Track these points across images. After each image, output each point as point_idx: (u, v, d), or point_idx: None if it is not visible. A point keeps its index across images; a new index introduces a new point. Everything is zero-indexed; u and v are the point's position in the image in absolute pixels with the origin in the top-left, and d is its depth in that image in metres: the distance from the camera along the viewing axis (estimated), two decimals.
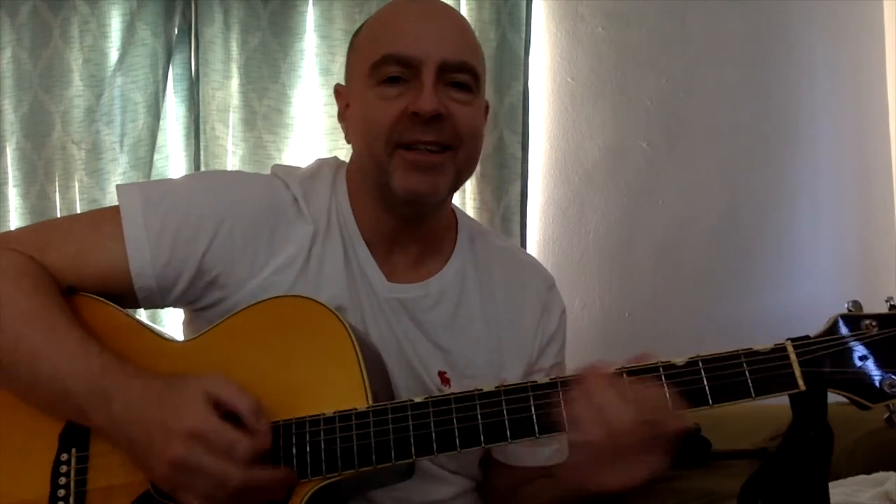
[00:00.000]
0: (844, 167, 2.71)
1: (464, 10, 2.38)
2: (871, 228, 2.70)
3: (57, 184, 2.19)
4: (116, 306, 1.04)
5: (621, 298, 2.54)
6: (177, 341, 1.04)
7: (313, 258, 1.09)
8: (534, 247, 2.48)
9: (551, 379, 0.90)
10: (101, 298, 1.03)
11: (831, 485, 1.58)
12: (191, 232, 1.04)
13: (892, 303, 0.87)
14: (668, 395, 0.85)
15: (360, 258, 1.11)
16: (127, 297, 1.06)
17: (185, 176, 1.16)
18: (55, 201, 2.19)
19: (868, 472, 1.64)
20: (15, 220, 2.18)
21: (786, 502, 0.86)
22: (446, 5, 1.16)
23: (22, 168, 2.18)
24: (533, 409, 0.88)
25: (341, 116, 1.16)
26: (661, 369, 0.88)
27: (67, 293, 1.03)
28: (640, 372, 0.88)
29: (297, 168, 1.18)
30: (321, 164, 1.18)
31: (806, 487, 0.86)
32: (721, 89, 2.61)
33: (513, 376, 1.15)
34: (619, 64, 2.56)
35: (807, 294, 2.60)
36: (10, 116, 2.17)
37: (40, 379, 0.95)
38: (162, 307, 1.11)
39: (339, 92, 1.17)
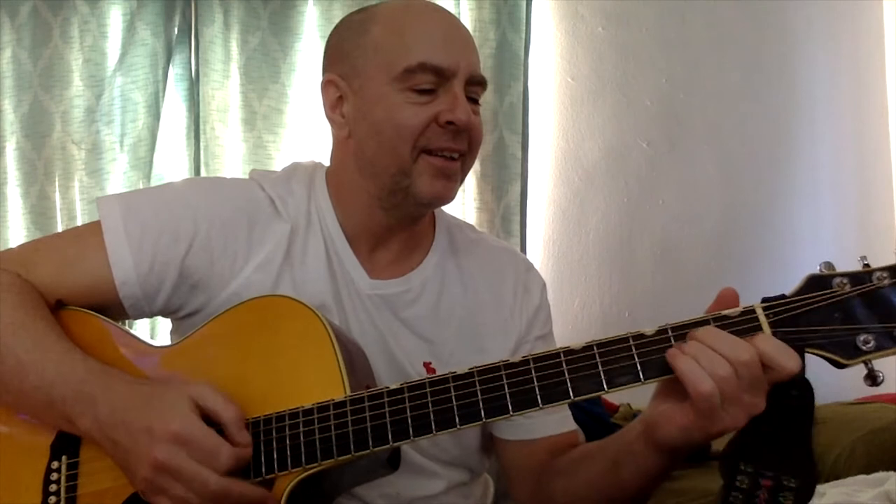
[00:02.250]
0: (844, 167, 2.71)
1: (464, 10, 2.38)
2: (871, 228, 2.70)
3: (57, 184, 2.19)
4: (105, 318, 1.05)
5: (621, 298, 2.55)
6: (163, 347, 1.04)
7: (294, 256, 1.10)
8: (534, 247, 2.48)
9: (523, 358, 0.90)
10: (88, 311, 1.04)
11: (831, 485, 1.58)
12: (170, 237, 1.06)
13: (865, 261, 0.85)
14: (772, 334, 0.83)
15: (341, 256, 1.13)
16: (114, 307, 1.06)
17: (163, 184, 1.18)
18: (55, 201, 2.19)
19: (868, 472, 1.64)
20: (15, 221, 2.18)
21: (769, 461, 0.84)
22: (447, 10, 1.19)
23: (22, 168, 2.18)
24: (506, 387, 0.88)
25: (333, 109, 1.13)
26: (630, 339, 0.86)
27: (56, 308, 1.04)
28: (610, 344, 0.87)
29: (273, 171, 1.20)
30: (296, 166, 1.20)
31: (789, 446, 0.84)
32: (721, 89, 2.62)
33: (502, 356, 1.15)
34: (619, 64, 2.56)
35: None
36: (10, 116, 2.17)
37: (27, 389, 0.95)
38: (150, 315, 1.12)
39: (334, 84, 1.12)
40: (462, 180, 1.13)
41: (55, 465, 0.96)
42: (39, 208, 2.18)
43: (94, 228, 1.07)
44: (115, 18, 2.22)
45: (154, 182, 2.26)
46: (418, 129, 1.05)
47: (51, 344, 0.96)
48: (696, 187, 2.60)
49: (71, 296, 1.04)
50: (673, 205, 2.58)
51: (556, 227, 2.53)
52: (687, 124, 2.60)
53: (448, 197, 1.10)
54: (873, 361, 0.82)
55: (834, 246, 2.67)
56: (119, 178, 2.22)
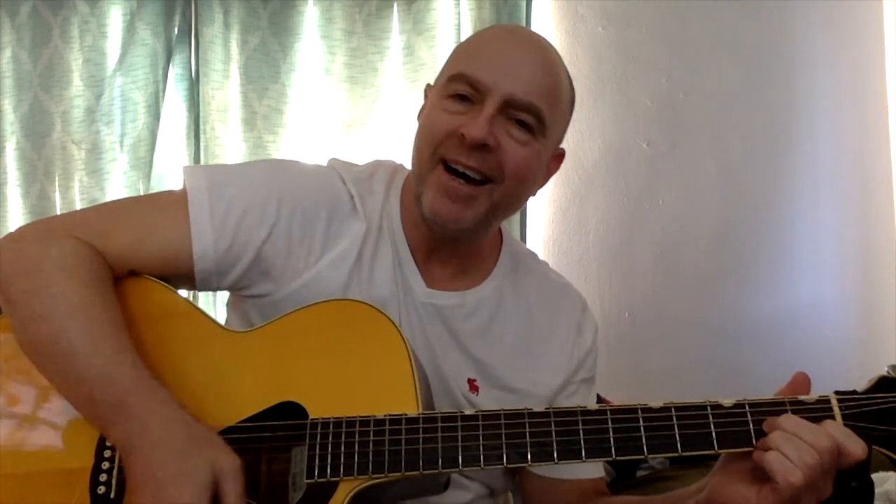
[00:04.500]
0: (844, 167, 2.71)
1: (464, 10, 2.38)
2: (871, 228, 2.70)
3: (57, 184, 2.19)
4: (175, 290, 1.05)
5: (621, 298, 2.55)
6: (233, 331, 1.05)
7: (365, 256, 1.11)
8: (534, 247, 2.47)
9: (601, 407, 0.92)
10: (165, 284, 1.05)
11: None
12: (254, 218, 1.06)
13: None
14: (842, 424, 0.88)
15: (402, 261, 1.13)
16: (184, 278, 1.07)
17: (249, 162, 1.17)
18: (55, 201, 2.19)
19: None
20: (15, 220, 2.18)
21: None
22: (543, 43, 1.13)
23: (22, 168, 2.18)
24: (581, 432, 0.90)
25: (419, 115, 1.17)
26: (708, 408, 0.90)
27: (129, 275, 1.04)
28: (688, 409, 0.90)
29: (355, 165, 1.19)
30: (377, 165, 1.20)
31: None
32: (721, 89, 2.62)
33: (547, 390, 1.17)
34: (619, 64, 2.56)
35: (807, 294, 2.61)
36: (10, 116, 2.17)
37: (70, 379, 0.95)
38: (216, 290, 1.13)
39: (425, 93, 1.18)
40: (492, 208, 1.07)
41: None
42: (39, 208, 2.19)
43: (176, 199, 1.06)
44: (115, 18, 2.23)
45: (154, 182, 2.26)
46: (441, 134, 1.05)
47: (105, 335, 0.95)
48: (696, 187, 2.60)
49: (144, 265, 1.04)
50: (673, 205, 2.58)
51: (556, 227, 2.53)
52: (687, 124, 2.60)
53: (451, 220, 1.06)
54: None
55: (834, 245, 2.67)
56: (119, 178, 2.22)
